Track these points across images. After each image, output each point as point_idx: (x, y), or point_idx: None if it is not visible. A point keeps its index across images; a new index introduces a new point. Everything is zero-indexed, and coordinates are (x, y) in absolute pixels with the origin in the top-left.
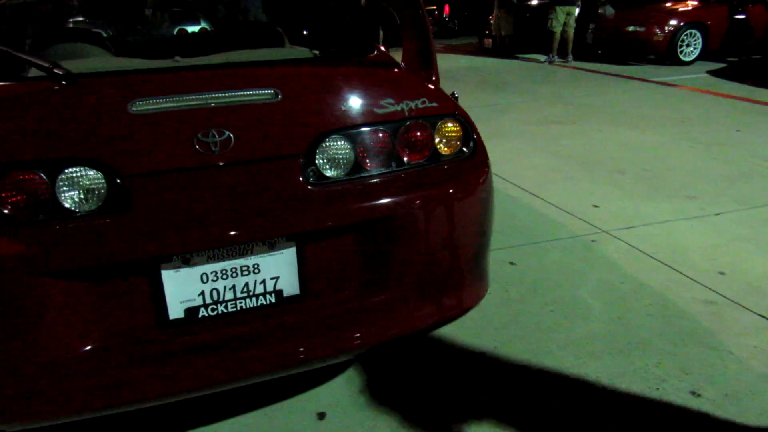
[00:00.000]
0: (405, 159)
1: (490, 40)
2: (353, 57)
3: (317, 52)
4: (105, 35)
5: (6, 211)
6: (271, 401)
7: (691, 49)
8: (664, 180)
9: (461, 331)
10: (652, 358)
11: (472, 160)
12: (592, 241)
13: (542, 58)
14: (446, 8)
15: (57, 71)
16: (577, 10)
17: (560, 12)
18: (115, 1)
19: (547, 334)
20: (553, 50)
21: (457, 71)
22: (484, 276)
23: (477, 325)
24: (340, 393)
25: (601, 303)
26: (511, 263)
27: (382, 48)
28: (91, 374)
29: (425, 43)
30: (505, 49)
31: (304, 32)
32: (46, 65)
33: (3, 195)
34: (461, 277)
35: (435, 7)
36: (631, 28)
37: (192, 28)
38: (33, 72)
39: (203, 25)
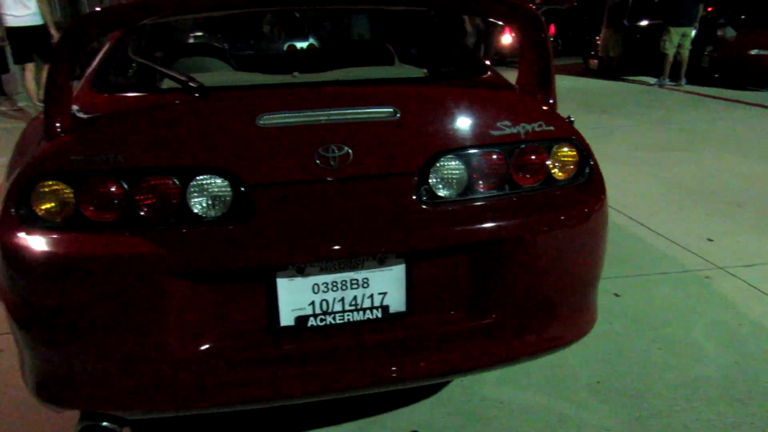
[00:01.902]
0: (519, 182)
1: (595, 60)
2: (466, 77)
3: (425, 70)
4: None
5: (142, 213)
6: (366, 415)
7: None
8: None
9: (560, 360)
10: None
11: (588, 186)
12: (706, 277)
13: (652, 80)
14: (552, 28)
15: (192, 84)
16: (693, 32)
17: (674, 33)
18: (234, 17)
19: (655, 372)
20: (665, 73)
21: (561, 92)
22: (593, 307)
23: (578, 355)
24: (434, 413)
25: (716, 345)
26: (616, 294)
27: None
28: (204, 373)
29: (546, 66)
30: (611, 71)
31: (412, 51)
32: (183, 79)
33: (139, 197)
34: (570, 307)
35: None
36: (754, 51)
37: (300, 44)
38: (166, 84)
39: (311, 41)
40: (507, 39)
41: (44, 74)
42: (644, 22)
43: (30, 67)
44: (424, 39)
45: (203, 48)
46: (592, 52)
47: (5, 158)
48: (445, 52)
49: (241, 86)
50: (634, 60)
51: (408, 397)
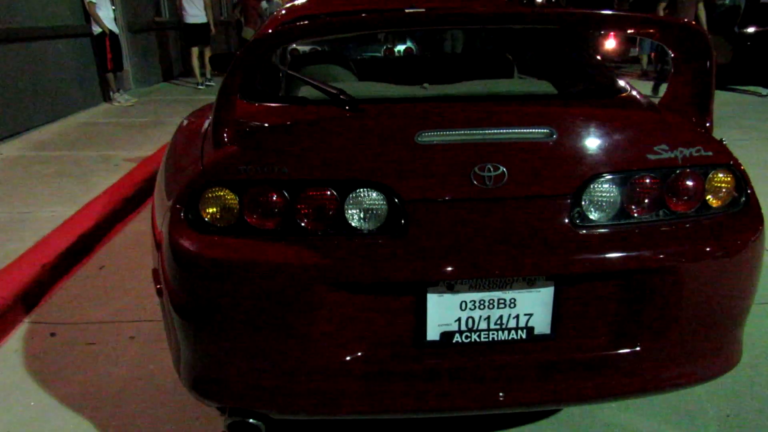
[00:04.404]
0: (672, 208)
1: None
2: (607, 96)
3: (549, 83)
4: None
5: (302, 224)
6: (484, 430)
7: None
8: None
9: (686, 389)
10: None
11: (745, 215)
12: None
13: (764, 91)
14: None
15: (343, 97)
16: None
17: None
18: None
19: None
20: None
21: None
22: (739, 343)
23: (705, 386)
24: None
25: None
26: None
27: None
28: (350, 380)
29: (707, 88)
30: (718, 80)
31: (527, 61)
32: (334, 91)
33: (298, 207)
34: (717, 341)
35: None
36: None
37: (398, 48)
38: (303, 92)
39: (408, 44)
40: (611, 44)
41: (206, 56)
42: (752, 29)
43: (195, 51)
44: (548, 51)
45: (327, 56)
46: None
47: (126, 152)
48: (573, 66)
49: (390, 99)
50: (744, 68)
51: (526, 415)
